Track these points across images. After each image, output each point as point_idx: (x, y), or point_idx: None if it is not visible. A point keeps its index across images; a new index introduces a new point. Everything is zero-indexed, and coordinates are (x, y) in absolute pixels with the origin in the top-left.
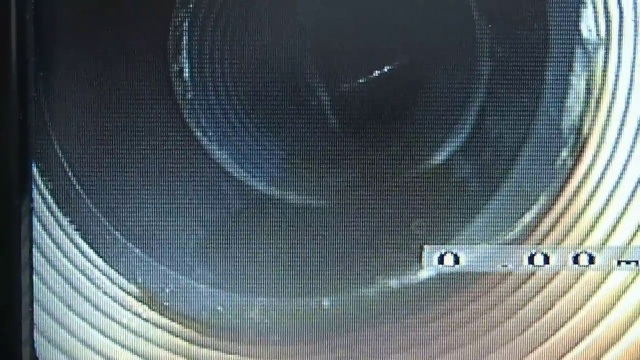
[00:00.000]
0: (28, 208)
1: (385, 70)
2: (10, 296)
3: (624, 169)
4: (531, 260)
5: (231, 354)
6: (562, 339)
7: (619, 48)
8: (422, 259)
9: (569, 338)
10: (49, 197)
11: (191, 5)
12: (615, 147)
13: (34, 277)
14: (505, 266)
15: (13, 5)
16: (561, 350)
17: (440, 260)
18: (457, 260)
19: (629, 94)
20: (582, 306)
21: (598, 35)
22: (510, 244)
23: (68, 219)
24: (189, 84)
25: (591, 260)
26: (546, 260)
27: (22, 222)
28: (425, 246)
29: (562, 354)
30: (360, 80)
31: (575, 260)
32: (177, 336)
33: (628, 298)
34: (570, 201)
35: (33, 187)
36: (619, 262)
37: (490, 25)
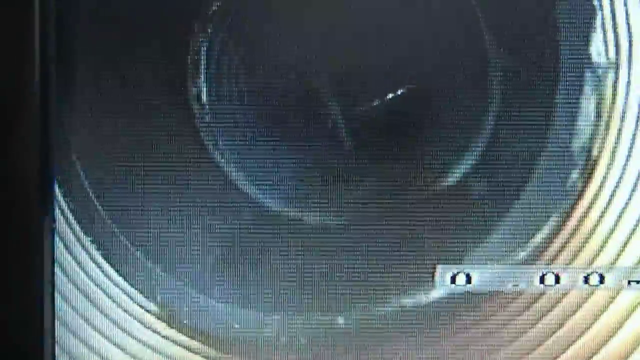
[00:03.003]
0: (50, 227)
1: (399, 92)
2: (33, 313)
3: (634, 189)
4: (542, 280)
5: None
6: (571, 357)
7: (629, 71)
8: (435, 279)
9: (579, 356)
10: (71, 216)
11: (210, 30)
12: (624, 169)
13: (56, 295)
14: (517, 286)
15: (37, 35)
16: None
17: (453, 280)
18: (469, 280)
19: (638, 116)
20: (591, 325)
21: (608, 58)
22: (522, 263)
23: (89, 238)
24: (207, 107)
25: (601, 280)
26: (557, 280)
27: (45, 241)
28: (438, 266)
29: None
30: (375, 103)
31: (586, 280)
32: (196, 353)
33: (637, 318)
34: (581, 222)
35: (55, 207)
36: (629, 282)
37: (502, 50)
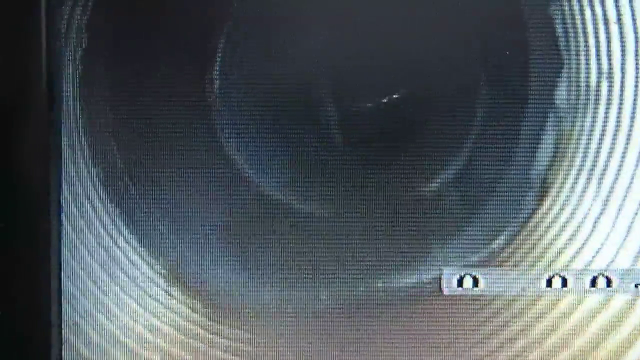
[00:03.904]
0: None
1: (395, 97)
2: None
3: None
4: (549, 283)
5: (241, 330)
6: None
7: (584, 116)
8: (442, 282)
9: None
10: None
11: (230, 23)
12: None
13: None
14: (524, 289)
15: None
16: None
17: (460, 283)
18: (476, 283)
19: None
20: (610, 332)
21: (569, 103)
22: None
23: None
24: (218, 92)
25: (609, 283)
26: (564, 283)
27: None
28: (444, 268)
29: None
30: (369, 104)
31: (593, 283)
32: (196, 312)
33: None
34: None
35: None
36: (636, 285)
37: (486, 79)
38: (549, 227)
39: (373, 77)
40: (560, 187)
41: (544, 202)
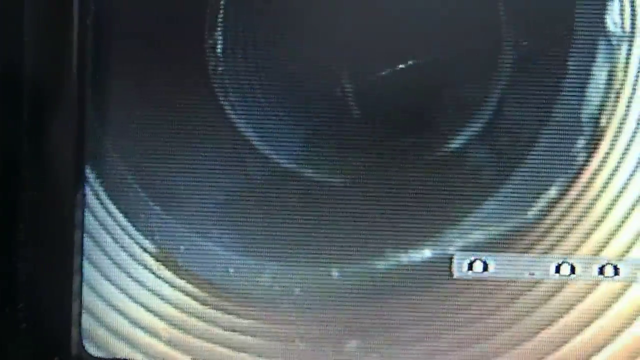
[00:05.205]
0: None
1: (410, 63)
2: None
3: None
4: (558, 269)
5: (240, 317)
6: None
7: None
8: (452, 266)
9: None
10: None
11: None
12: (631, 141)
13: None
14: (533, 274)
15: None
16: None
17: (470, 267)
18: (486, 268)
19: None
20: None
21: (623, 29)
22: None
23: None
24: (221, 58)
25: (616, 271)
26: (572, 270)
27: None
28: (455, 253)
29: None
30: (383, 72)
31: (601, 271)
32: (189, 296)
33: None
34: (582, 195)
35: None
36: None
37: (515, 14)
38: (601, 190)
39: (387, 40)
40: (618, 133)
41: (597, 152)
